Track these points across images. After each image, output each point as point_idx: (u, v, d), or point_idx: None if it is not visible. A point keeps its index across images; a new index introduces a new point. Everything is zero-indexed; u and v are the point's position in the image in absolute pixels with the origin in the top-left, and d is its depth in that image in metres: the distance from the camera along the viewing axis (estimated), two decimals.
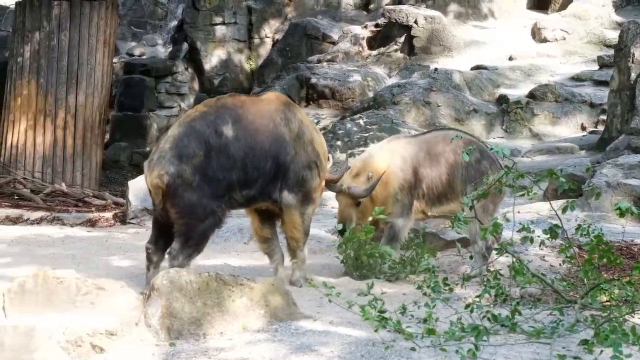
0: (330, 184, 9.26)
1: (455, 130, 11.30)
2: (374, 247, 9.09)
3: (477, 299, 6.83)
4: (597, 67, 21.03)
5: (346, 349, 6.11)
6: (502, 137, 19.28)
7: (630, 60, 16.26)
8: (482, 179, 8.99)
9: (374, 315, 6.15)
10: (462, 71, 21.00)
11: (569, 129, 19.38)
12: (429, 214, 9.65)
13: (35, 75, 17.97)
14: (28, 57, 18.01)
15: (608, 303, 7.00)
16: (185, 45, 25.88)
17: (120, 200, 16.14)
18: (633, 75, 16.11)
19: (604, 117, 18.45)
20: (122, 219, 13.75)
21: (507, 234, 9.76)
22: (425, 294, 6.81)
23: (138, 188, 13.20)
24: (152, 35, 27.90)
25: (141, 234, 12.30)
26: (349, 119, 18.70)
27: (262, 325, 6.62)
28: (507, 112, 19.66)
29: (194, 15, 25.86)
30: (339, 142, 17.57)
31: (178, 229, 8.17)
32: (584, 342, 5.89)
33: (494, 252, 8.90)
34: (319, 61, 23.13)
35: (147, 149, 23.40)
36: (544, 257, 10.03)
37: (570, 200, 8.31)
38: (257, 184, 8.42)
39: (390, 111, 18.79)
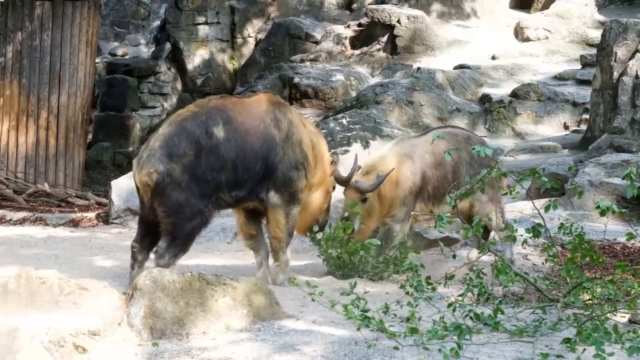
0: (338, 178, 9.27)
1: (458, 128, 11.36)
2: (353, 243, 9.07)
3: (460, 298, 6.85)
4: (579, 67, 21.06)
5: (329, 348, 6.11)
6: (485, 136, 19.17)
7: (613, 59, 16.28)
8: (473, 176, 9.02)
9: (357, 314, 6.17)
10: (445, 70, 20.98)
11: (551, 128, 19.39)
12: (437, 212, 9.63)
13: (17, 75, 17.90)
14: (10, 57, 17.92)
15: (590, 302, 7.03)
16: (167, 45, 25.80)
17: (103, 200, 16.08)
18: (615, 75, 16.14)
19: (586, 116, 18.46)
20: (105, 219, 13.70)
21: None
22: (408, 293, 6.83)
23: (121, 188, 13.15)
24: (135, 35, 27.83)
25: (124, 234, 12.28)
26: (332, 118, 18.66)
27: (245, 325, 6.62)
28: (490, 111, 19.66)
29: (177, 15, 25.78)
30: None
31: (165, 228, 8.18)
32: (567, 340, 5.92)
33: (477, 251, 8.94)
34: (302, 61, 23.09)
35: (130, 149, 23.36)
36: (526, 255, 10.06)
37: (553, 199, 8.35)
38: (247, 185, 8.45)
39: (373, 110, 18.75)
